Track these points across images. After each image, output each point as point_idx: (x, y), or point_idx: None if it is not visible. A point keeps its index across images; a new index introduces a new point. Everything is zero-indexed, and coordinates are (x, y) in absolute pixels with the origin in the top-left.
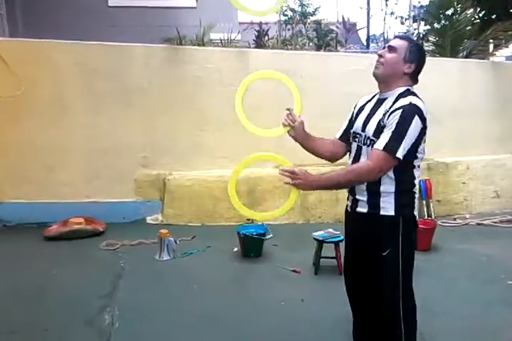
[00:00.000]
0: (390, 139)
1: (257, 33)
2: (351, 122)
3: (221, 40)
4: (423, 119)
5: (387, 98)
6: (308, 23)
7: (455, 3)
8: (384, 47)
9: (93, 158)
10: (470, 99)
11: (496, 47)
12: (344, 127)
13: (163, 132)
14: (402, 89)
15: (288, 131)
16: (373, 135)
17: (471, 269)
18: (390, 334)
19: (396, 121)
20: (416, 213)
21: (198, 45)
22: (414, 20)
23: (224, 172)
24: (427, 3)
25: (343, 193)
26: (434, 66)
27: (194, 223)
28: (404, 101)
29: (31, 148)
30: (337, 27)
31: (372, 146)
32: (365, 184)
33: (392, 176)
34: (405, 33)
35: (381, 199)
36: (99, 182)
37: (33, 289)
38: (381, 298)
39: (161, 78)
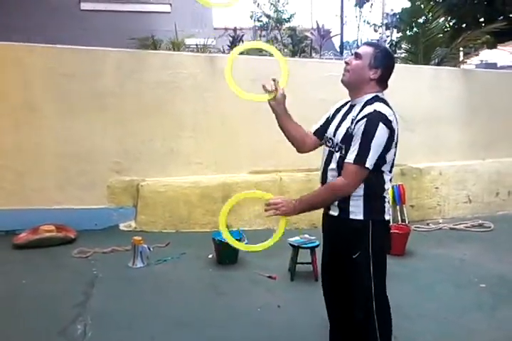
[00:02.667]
0: (358, 151)
1: (231, 39)
2: (327, 123)
3: (196, 46)
4: (389, 124)
5: (355, 104)
6: (283, 30)
7: (427, 12)
8: (352, 54)
9: (64, 164)
10: (442, 106)
11: (466, 55)
12: (320, 124)
13: (137, 137)
14: (369, 96)
15: (269, 99)
16: (341, 142)
17: (444, 273)
18: (365, 337)
19: (361, 131)
20: (388, 217)
21: (173, 50)
22: (387, 28)
23: (199, 178)
24: (400, 11)
25: None
26: (406, 73)
27: (168, 230)
28: (369, 109)
29: (0, 153)
30: (312, 33)
31: (340, 152)
32: None
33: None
34: (378, 40)
35: (350, 203)
36: (70, 188)
37: (2, 299)
38: (354, 301)
39: (134, 83)
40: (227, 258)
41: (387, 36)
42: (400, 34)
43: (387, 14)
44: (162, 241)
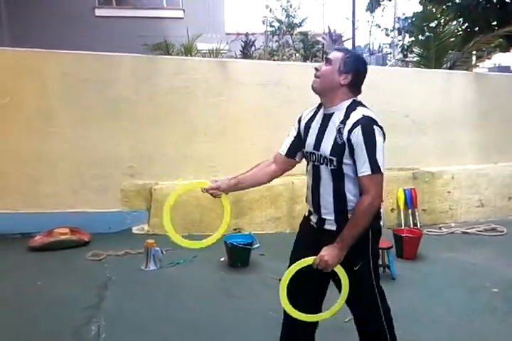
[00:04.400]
0: (369, 161)
1: (243, 44)
2: (299, 138)
3: (209, 51)
4: (380, 127)
5: (334, 113)
6: (295, 34)
7: (439, 16)
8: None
9: (79, 168)
10: (455, 110)
11: (479, 58)
12: (289, 143)
13: (151, 142)
14: (348, 102)
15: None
16: (331, 154)
17: (456, 278)
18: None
19: (362, 139)
20: (382, 223)
21: (186, 55)
22: (399, 32)
23: None
24: (412, 15)
25: None
26: (418, 77)
27: (181, 233)
28: (356, 115)
29: (16, 159)
30: (323, 38)
31: (331, 165)
32: (331, 203)
33: (355, 192)
34: (390, 44)
35: (349, 216)
36: (84, 192)
37: (18, 300)
38: (362, 314)
39: (148, 88)
40: (238, 261)
41: (399, 40)
42: (412, 38)
43: (399, 18)
44: (174, 245)
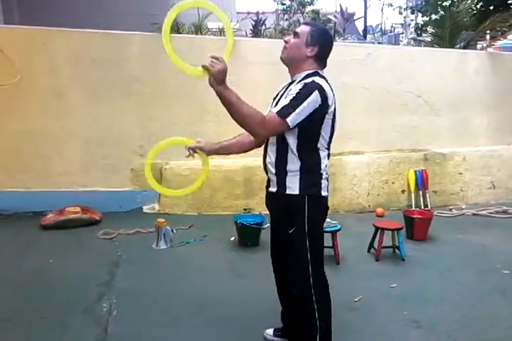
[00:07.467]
0: (285, 105)
1: (254, 23)
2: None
3: (219, 30)
4: (323, 97)
5: (295, 80)
6: (306, 13)
7: None
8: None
9: (90, 147)
10: (468, 90)
11: (494, 38)
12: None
13: (161, 121)
14: (309, 71)
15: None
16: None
17: (466, 259)
18: (304, 313)
19: (296, 91)
20: (325, 194)
21: (196, 34)
22: (412, 12)
23: (221, 162)
24: None
25: (340, 183)
26: (432, 56)
27: (191, 212)
28: (307, 80)
29: (28, 137)
30: (335, 17)
31: None
32: (274, 163)
33: (297, 155)
34: (402, 24)
35: (287, 179)
36: (95, 171)
37: (30, 277)
38: (291, 276)
39: (158, 67)
40: (249, 241)
41: (412, 20)
42: (425, 18)
43: None
44: (185, 224)
